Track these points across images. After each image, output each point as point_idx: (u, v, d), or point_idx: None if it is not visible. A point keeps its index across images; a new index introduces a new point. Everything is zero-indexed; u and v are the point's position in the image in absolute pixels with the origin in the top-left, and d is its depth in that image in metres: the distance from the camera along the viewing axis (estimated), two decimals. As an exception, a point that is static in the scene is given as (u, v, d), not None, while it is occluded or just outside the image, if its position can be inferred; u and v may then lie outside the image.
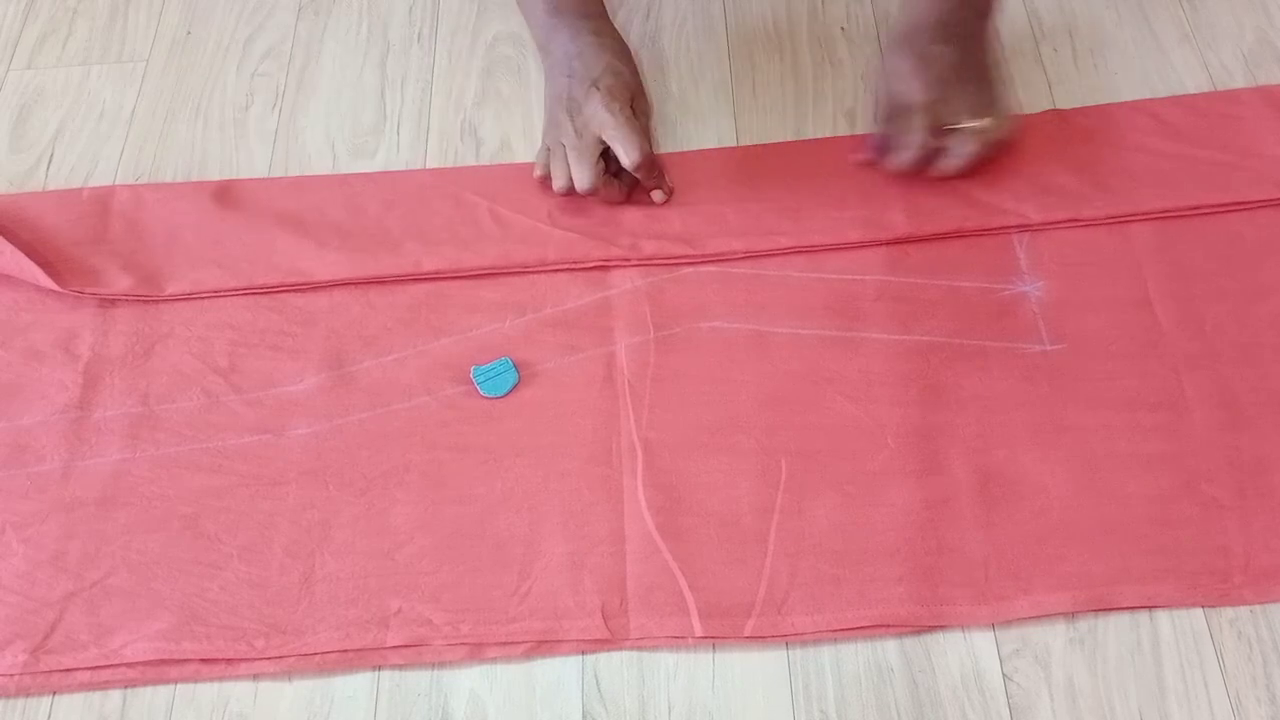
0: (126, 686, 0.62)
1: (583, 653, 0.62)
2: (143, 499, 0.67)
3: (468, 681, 0.62)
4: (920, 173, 0.74)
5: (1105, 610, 0.61)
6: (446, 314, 0.73)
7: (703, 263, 0.74)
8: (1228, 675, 0.59)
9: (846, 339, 0.71)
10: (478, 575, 0.64)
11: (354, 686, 0.62)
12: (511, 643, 0.62)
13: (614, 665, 0.62)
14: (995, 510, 0.64)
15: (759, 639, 0.61)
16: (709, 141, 0.82)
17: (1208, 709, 0.59)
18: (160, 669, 0.62)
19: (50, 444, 0.69)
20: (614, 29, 0.82)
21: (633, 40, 0.86)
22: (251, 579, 0.64)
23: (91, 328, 0.74)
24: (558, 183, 0.75)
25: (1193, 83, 0.82)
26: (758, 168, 0.79)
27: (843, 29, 0.87)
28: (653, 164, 0.75)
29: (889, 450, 0.66)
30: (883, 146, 0.75)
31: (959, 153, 0.73)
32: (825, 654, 0.61)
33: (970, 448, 0.66)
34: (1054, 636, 0.61)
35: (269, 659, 0.62)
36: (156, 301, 0.75)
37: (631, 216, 0.76)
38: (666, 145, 0.82)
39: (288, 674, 0.62)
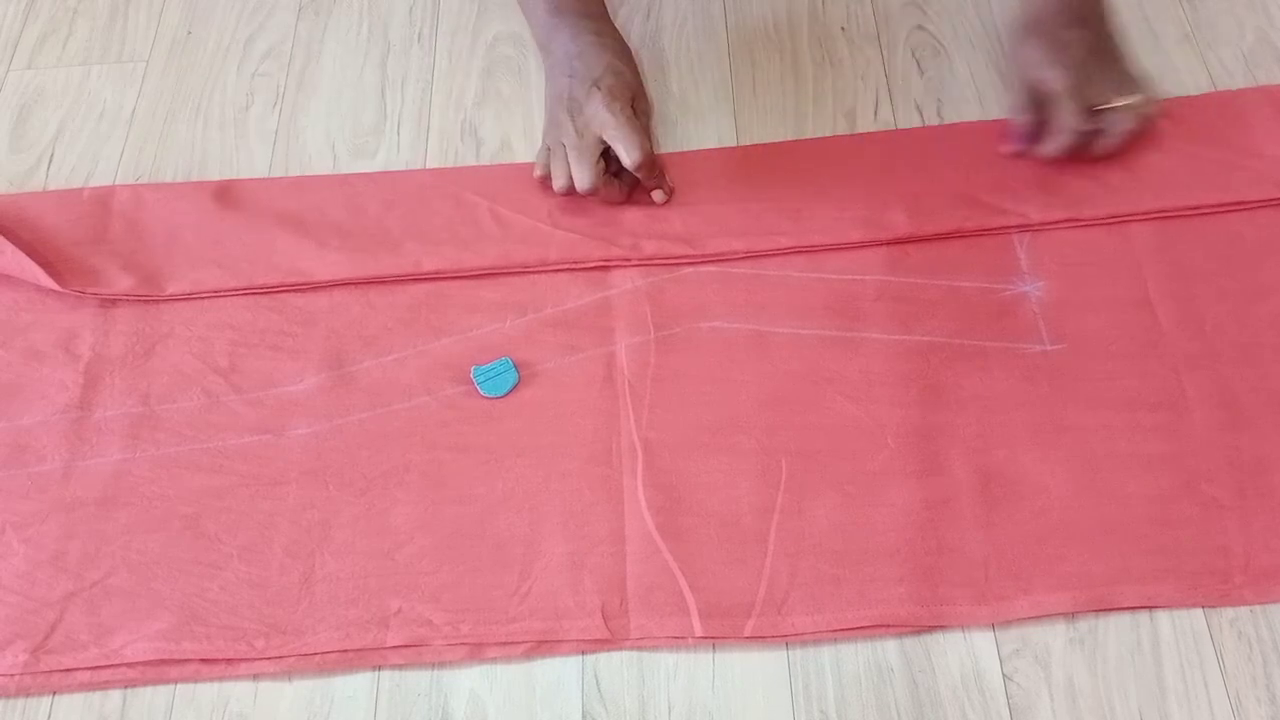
0: (126, 686, 0.62)
1: (583, 653, 0.62)
2: (143, 499, 0.67)
3: (468, 681, 0.62)
4: (1076, 157, 0.74)
5: (1105, 610, 0.61)
6: (447, 314, 0.73)
7: (703, 263, 0.74)
8: (1228, 675, 0.59)
9: (847, 339, 0.71)
10: (478, 575, 0.64)
11: (354, 686, 0.62)
12: (511, 643, 0.62)
13: (614, 665, 0.62)
14: (995, 510, 0.64)
15: (759, 639, 0.61)
16: (709, 141, 0.82)
17: (1208, 709, 0.59)
18: (160, 669, 0.62)
19: (51, 444, 0.69)
20: (615, 29, 0.82)
21: (633, 40, 0.86)
22: (251, 579, 0.64)
23: (92, 328, 0.74)
24: (558, 183, 0.75)
25: (1193, 83, 0.82)
26: (758, 167, 0.79)
27: (843, 29, 0.87)
28: (653, 164, 0.75)
29: (889, 450, 0.66)
30: (1032, 135, 0.75)
31: (1116, 131, 0.73)
32: (825, 654, 0.61)
33: (970, 448, 0.66)
34: (1054, 636, 0.61)
35: (269, 659, 0.62)
36: (157, 301, 0.75)
37: (632, 216, 0.76)
38: (667, 145, 0.82)
39: (288, 674, 0.62)
